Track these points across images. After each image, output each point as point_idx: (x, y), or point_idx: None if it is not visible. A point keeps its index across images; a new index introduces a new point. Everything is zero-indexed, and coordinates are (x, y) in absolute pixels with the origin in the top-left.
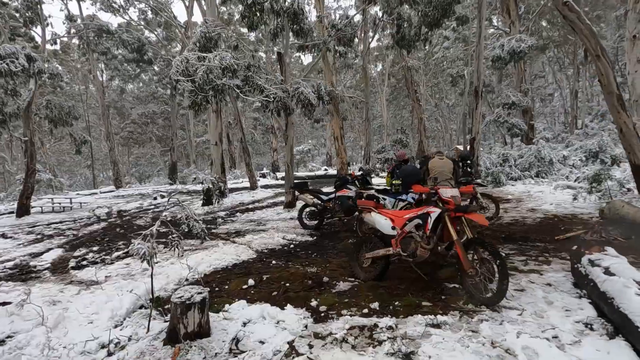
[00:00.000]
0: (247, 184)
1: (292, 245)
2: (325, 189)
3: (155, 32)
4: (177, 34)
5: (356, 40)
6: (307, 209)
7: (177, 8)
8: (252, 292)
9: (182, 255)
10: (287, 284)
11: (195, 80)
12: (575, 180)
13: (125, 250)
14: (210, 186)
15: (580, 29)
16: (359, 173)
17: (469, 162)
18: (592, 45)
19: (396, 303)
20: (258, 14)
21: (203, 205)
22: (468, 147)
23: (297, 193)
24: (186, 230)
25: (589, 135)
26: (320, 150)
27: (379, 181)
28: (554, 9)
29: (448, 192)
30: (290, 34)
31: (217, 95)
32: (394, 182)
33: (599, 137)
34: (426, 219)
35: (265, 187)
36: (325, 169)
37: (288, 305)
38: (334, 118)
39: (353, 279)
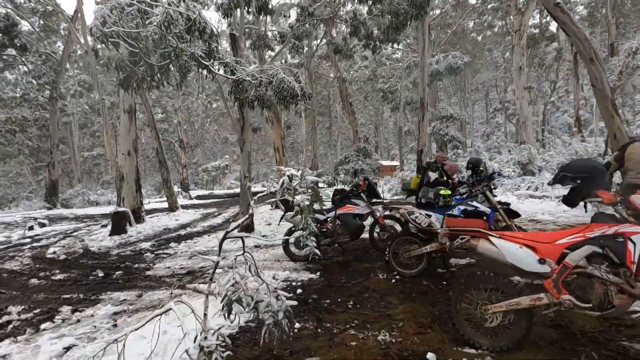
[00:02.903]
0: (158, 205)
1: (298, 290)
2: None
3: (30, 21)
4: (58, 26)
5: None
6: (296, 234)
7: None
8: None
9: (115, 326)
10: None
11: (146, 36)
12: (527, 189)
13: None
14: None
15: (574, 32)
16: (354, 182)
17: (481, 169)
18: (585, 48)
19: None
20: None
21: (112, 234)
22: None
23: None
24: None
25: (486, 151)
26: (232, 167)
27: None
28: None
29: None
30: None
31: (170, 66)
32: (441, 192)
33: (527, 151)
34: (620, 245)
35: (184, 207)
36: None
37: None
38: (274, 126)
39: (475, 350)
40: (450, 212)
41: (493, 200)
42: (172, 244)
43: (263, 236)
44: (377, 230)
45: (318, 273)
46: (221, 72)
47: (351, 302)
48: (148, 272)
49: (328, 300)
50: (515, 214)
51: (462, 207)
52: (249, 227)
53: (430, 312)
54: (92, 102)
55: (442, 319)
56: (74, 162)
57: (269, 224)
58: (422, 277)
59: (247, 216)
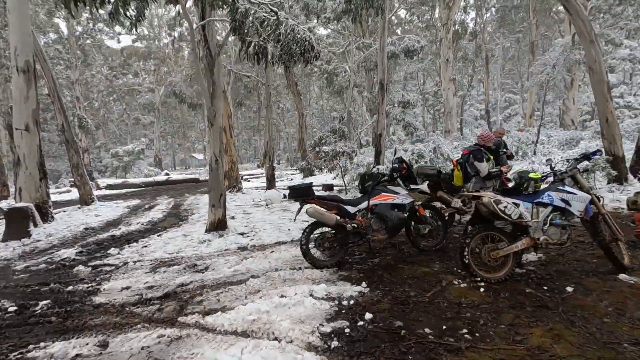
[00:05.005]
0: (59, 197)
1: (367, 314)
2: (342, 196)
3: None
4: None
5: None
6: (318, 231)
7: None
8: None
9: None
10: None
11: None
12: None
13: None
14: None
15: (576, 11)
16: (394, 165)
17: (504, 150)
18: (586, 29)
19: None
20: None
21: (7, 239)
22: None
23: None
24: None
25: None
26: (145, 152)
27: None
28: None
29: None
30: None
31: None
32: (531, 175)
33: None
34: None
35: (99, 199)
36: (167, 173)
37: None
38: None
39: None
40: (540, 200)
41: (586, 184)
42: (112, 250)
43: (240, 234)
44: (413, 224)
45: (364, 284)
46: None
47: (464, 330)
48: (97, 299)
49: (427, 329)
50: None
51: (553, 193)
52: (221, 224)
53: (583, 335)
54: None
55: (610, 347)
56: None
57: (233, 217)
58: (508, 282)
59: None
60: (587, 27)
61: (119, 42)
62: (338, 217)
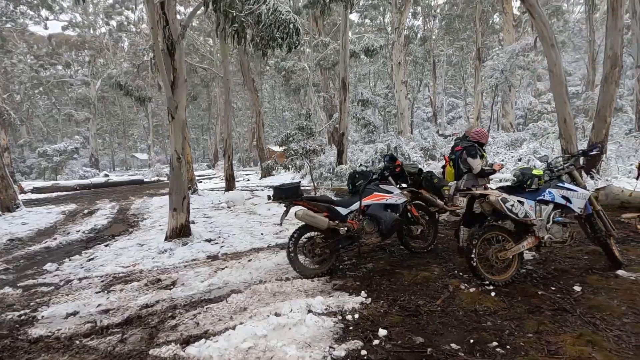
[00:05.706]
0: None
1: (380, 331)
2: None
3: None
4: None
5: None
6: (306, 236)
7: None
8: None
9: None
10: None
11: None
12: None
13: None
14: None
15: (539, 15)
16: (383, 163)
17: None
18: (547, 33)
19: None
20: None
21: None
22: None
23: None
24: None
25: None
26: (79, 151)
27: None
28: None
29: None
30: None
31: None
32: (534, 172)
33: (431, 136)
34: None
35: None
36: (106, 175)
37: None
38: None
39: None
40: (542, 197)
41: (582, 181)
42: (48, 266)
43: (207, 241)
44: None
45: (364, 293)
46: None
47: (494, 343)
48: (35, 331)
49: (453, 345)
50: None
51: (554, 191)
52: (183, 230)
53: (613, 339)
54: None
55: None
56: None
57: (193, 222)
58: (515, 284)
59: None
60: (549, 31)
61: (46, 28)
62: (328, 221)
